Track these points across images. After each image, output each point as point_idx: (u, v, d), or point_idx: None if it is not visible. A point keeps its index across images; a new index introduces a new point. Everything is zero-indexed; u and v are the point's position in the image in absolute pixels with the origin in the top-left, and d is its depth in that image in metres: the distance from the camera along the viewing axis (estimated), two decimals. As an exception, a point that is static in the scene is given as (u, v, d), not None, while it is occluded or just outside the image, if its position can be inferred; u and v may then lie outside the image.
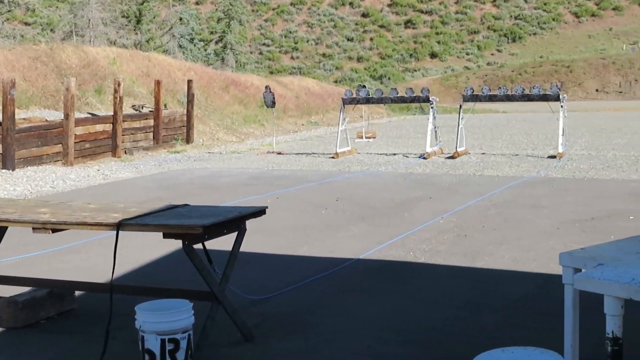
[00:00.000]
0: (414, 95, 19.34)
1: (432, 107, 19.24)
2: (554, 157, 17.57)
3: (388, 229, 9.31)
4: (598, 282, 3.33)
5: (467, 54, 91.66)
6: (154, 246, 7.88)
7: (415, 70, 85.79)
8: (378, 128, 30.26)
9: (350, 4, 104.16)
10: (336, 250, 8.21)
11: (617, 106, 54.07)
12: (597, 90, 72.44)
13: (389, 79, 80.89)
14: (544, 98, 18.09)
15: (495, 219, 9.83)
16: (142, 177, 15.85)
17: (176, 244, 5.72)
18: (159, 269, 7.59)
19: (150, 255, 7.99)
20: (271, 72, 78.46)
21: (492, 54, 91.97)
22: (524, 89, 18.31)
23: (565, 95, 18.35)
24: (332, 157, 18.80)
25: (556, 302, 6.16)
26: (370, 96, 19.73)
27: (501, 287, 6.64)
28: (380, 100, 19.75)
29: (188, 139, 23.83)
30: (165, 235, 4.95)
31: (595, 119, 35.51)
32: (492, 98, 18.57)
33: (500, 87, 18.56)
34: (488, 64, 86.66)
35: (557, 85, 18.26)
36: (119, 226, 4.88)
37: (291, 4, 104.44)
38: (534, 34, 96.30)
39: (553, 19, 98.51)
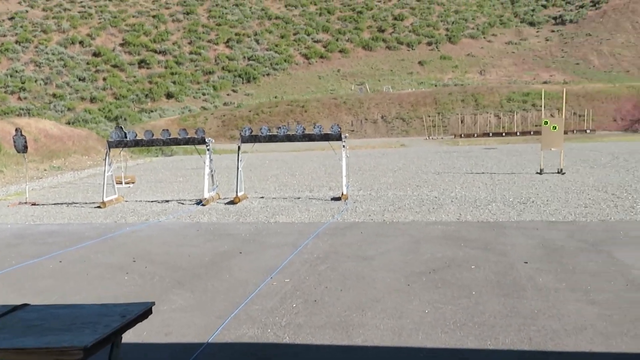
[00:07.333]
0: (189, 136, 17.79)
1: (208, 149, 17.81)
2: (338, 199, 16.87)
3: (218, 297, 7.83)
4: None
5: (204, 94, 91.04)
6: None
7: (152, 111, 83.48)
8: (131, 172, 28.32)
9: (81, 42, 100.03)
10: (173, 332, 6.59)
11: (351, 144, 55.75)
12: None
13: (125, 119, 77.96)
14: (326, 138, 17.39)
15: (332, 276, 8.66)
16: None
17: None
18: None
19: None
20: (-4, 113, 72.59)
21: (228, 94, 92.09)
22: (304, 129, 17.48)
23: (346, 135, 17.81)
24: (99, 207, 16.81)
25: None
26: (140, 138, 17.93)
27: (401, 370, 5.47)
28: (151, 143, 17.97)
29: None
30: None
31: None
32: (271, 138, 17.51)
33: (280, 127, 17.55)
34: (225, 104, 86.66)
35: (337, 125, 17.65)
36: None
37: (16, 42, 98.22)
38: (268, 74, 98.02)
39: (285, 60, 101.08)
